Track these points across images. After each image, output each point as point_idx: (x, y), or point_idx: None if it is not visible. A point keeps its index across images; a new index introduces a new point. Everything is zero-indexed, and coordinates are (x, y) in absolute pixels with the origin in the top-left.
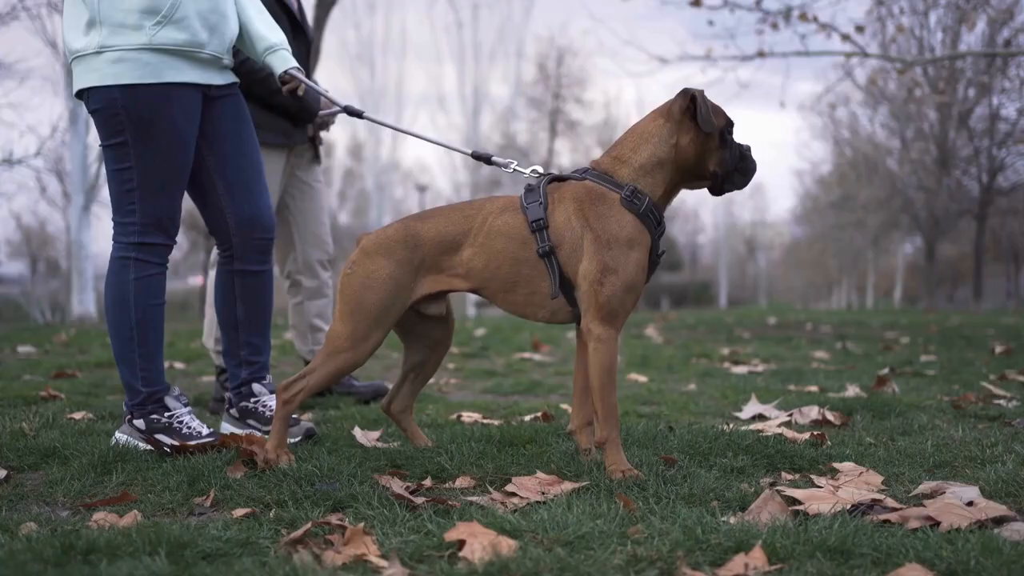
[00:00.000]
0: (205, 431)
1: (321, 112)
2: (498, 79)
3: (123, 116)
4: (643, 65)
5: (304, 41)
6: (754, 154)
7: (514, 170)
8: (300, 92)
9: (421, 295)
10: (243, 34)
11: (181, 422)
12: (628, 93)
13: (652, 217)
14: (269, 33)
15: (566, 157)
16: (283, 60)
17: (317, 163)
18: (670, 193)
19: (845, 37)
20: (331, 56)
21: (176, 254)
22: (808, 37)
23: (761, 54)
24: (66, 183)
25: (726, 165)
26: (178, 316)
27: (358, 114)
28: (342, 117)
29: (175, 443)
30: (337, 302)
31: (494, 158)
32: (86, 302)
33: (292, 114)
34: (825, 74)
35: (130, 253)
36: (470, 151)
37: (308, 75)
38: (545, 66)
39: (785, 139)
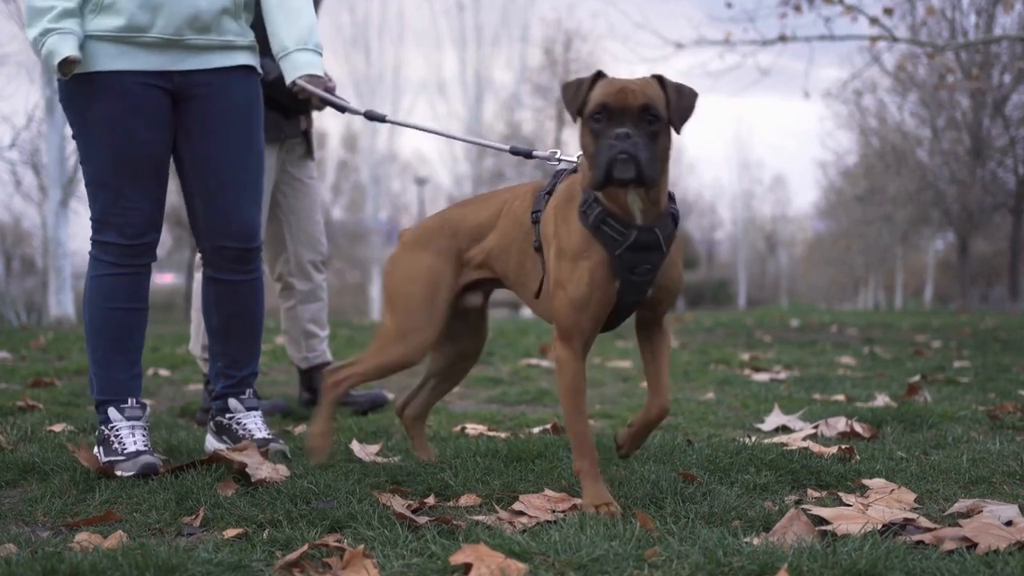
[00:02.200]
0: (131, 448)
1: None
2: (501, 65)
3: (68, 110)
4: (657, 50)
5: None
6: (633, 143)
7: (559, 160)
8: (314, 103)
9: (464, 283)
10: (265, 23)
11: (117, 436)
12: None
13: (607, 230)
14: (285, 30)
15: (574, 148)
16: (293, 67)
17: (310, 158)
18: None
19: (873, 20)
20: (324, 41)
21: (160, 251)
22: (833, 20)
23: (783, 38)
24: (42, 176)
25: (592, 156)
26: (161, 318)
27: (380, 118)
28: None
29: (99, 465)
30: (382, 300)
31: (535, 152)
32: (64, 303)
33: (282, 106)
34: (851, 59)
35: (91, 250)
36: (508, 147)
37: None
38: (552, 51)
39: (808, 128)
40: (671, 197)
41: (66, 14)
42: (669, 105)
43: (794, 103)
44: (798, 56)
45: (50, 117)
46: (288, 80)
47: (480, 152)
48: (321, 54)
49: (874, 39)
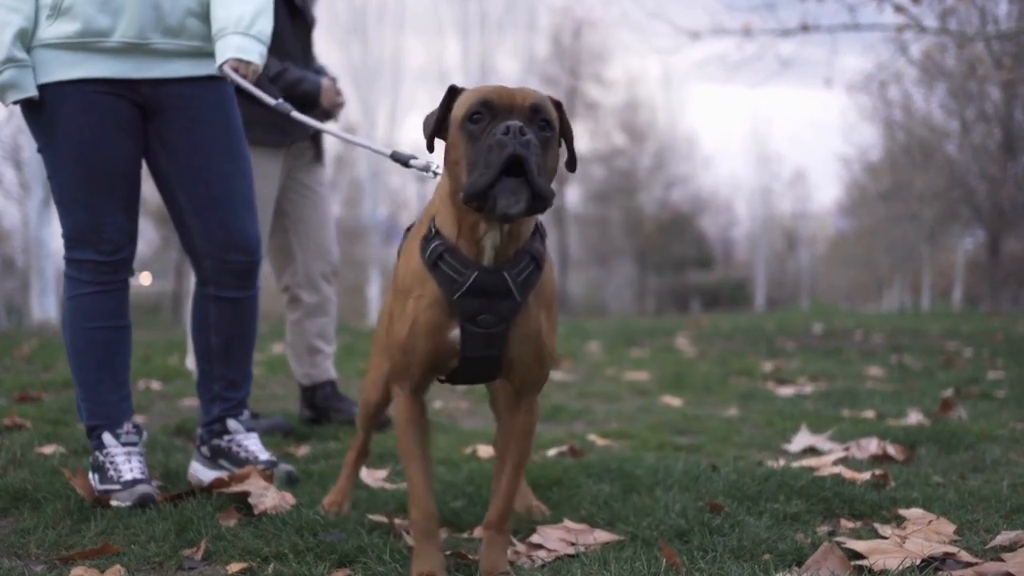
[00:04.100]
0: (127, 476)
1: (325, 89)
2: (507, 54)
3: (30, 123)
4: (672, 40)
5: (303, 25)
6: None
7: (435, 172)
8: (325, 110)
9: None
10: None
11: (113, 463)
12: (654, 71)
13: (444, 267)
14: (224, 11)
15: (585, 142)
16: (222, 50)
17: (319, 164)
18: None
19: (899, 8)
20: (320, 28)
21: (147, 251)
22: (857, 8)
23: (805, 28)
24: (24, 173)
25: (471, 161)
26: (148, 322)
27: (286, 111)
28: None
29: (94, 494)
30: None
31: (412, 161)
32: (47, 306)
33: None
34: (875, 48)
35: (65, 270)
36: (389, 152)
37: (308, 60)
38: (560, 40)
39: (829, 120)
40: (538, 232)
41: (22, 35)
42: (561, 123)
43: (814, 93)
44: (819, 45)
45: None
46: (216, 64)
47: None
48: (263, 42)
49: (900, 28)
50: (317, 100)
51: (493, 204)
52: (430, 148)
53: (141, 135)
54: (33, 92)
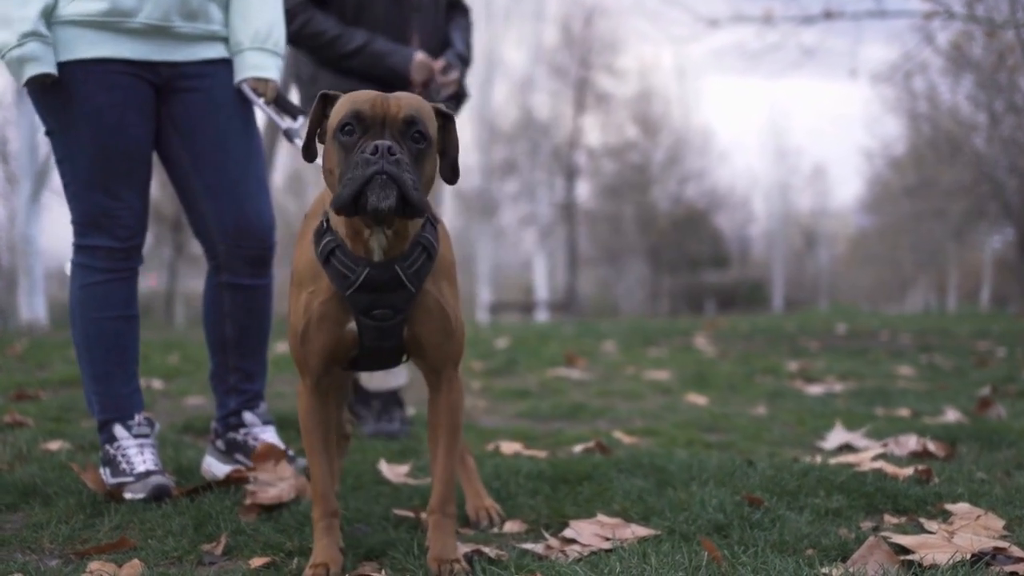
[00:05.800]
0: (140, 468)
1: (417, 64)
2: (514, 43)
3: (43, 103)
4: (688, 28)
5: (409, 3)
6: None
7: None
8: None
9: None
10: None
11: (125, 455)
12: (668, 61)
13: (337, 264)
14: (242, 23)
15: (595, 135)
16: (239, 68)
17: None
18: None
19: None
20: None
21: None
22: None
23: (829, 15)
24: (11, 166)
25: (340, 175)
26: (142, 323)
27: (289, 138)
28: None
29: (106, 487)
30: None
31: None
32: (35, 306)
33: (373, 79)
34: (900, 37)
35: (75, 257)
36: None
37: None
38: (570, 28)
39: (851, 112)
40: (429, 220)
41: (45, 11)
42: (446, 134)
43: (835, 85)
44: (842, 34)
45: (20, 102)
46: (235, 81)
47: (491, 140)
48: (279, 54)
49: (928, 15)
50: (406, 75)
51: (364, 202)
52: (307, 158)
53: (156, 118)
54: (52, 68)
